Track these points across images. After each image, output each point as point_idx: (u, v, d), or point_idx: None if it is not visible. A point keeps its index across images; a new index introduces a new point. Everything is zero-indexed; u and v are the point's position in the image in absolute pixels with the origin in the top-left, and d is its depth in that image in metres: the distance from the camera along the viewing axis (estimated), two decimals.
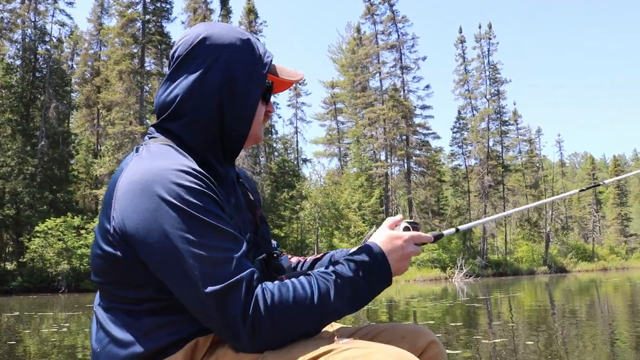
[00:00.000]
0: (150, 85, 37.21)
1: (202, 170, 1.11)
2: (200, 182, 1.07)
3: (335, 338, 1.12)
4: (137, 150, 1.18)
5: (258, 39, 1.31)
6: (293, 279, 1.10)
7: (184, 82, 1.20)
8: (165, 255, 1.03)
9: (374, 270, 1.15)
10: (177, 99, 1.20)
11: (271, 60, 1.28)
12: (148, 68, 37.92)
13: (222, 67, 1.21)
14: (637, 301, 12.38)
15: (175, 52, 1.25)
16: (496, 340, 6.23)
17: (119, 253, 1.09)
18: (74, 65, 45.69)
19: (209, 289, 1.01)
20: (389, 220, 1.29)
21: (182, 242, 1.02)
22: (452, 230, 1.38)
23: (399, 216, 1.31)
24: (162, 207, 1.03)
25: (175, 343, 1.10)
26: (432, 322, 8.88)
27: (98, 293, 1.21)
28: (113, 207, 1.09)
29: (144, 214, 1.03)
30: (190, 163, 1.11)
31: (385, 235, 1.22)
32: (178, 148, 1.18)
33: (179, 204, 1.03)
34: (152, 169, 1.07)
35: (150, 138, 1.24)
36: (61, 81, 38.53)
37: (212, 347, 1.11)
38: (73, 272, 27.84)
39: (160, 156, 1.12)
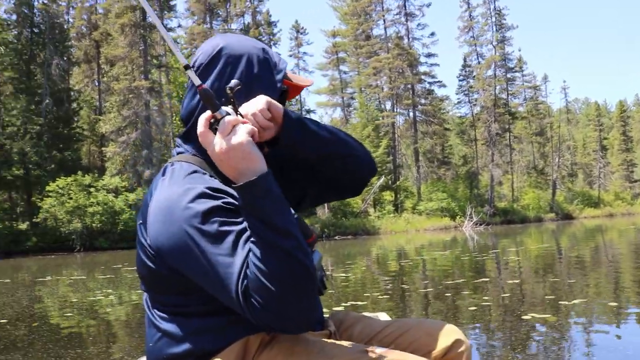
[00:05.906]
0: (152, 38, 36.60)
1: (217, 187, 1.19)
2: (213, 202, 1.15)
3: (373, 347, 1.21)
4: (163, 173, 1.28)
5: (271, 48, 1.39)
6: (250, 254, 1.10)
7: None
8: (197, 268, 1.14)
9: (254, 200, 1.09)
10: (199, 107, 1.28)
11: (285, 67, 1.35)
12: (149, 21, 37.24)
13: (240, 75, 1.29)
14: None
15: (196, 61, 1.33)
16: (505, 287, 6.42)
17: (157, 267, 1.22)
18: (70, 20, 44.79)
19: (232, 285, 1.09)
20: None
21: (205, 256, 1.12)
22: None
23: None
24: (183, 232, 1.14)
25: (225, 342, 1.21)
26: (441, 271, 9.09)
27: (147, 295, 1.33)
28: (147, 228, 1.22)
29: (172, 239, 1.16)
30: (205, 183, 1.19)
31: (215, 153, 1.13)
32: (200, 165, 1.27)
33: (197, 226, 1.13)
34: (172, 195, 1.18)
35: (178, 154, 1.33)
36: (61, 36, 37.82)
37: (263, 346, 1.21)
38: (86, 231, 28.03)
39: (179, 181, 1.21)
